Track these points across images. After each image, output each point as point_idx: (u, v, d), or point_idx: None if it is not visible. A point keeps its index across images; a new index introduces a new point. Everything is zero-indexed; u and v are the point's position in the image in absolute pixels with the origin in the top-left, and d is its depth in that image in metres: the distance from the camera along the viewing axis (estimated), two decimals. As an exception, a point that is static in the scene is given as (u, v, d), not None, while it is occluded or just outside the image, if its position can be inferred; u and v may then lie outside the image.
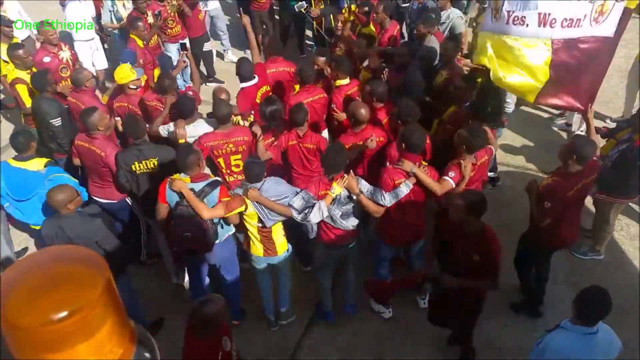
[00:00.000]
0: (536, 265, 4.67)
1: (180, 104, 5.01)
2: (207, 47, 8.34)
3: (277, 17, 9.05)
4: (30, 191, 4.69)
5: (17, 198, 4.73)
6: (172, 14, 7.45)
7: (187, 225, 3.96)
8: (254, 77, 5.35)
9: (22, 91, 5.70)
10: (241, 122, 5.09)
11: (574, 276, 5.10)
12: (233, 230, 4.40)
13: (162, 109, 5.18)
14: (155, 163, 4.56)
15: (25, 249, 5.73)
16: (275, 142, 4.66)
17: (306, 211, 3.96)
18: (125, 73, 5.36)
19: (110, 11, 7.62)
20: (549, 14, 3.99)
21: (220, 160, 4.67)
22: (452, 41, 5.78)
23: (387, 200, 4.04)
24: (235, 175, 4.75)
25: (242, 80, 5.34)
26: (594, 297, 2.99)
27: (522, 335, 4.59)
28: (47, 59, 6.17)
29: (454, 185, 4.13)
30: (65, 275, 1.12)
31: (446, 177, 4.14)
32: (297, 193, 4.07)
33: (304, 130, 4.64)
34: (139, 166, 4.57)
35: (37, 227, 4.55)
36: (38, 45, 6.73)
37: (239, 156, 4.67)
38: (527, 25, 4.06)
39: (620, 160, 4.61)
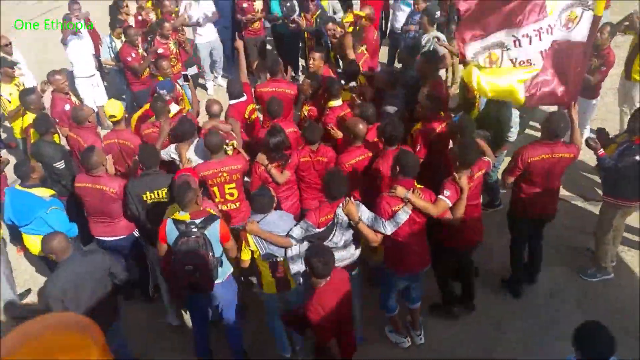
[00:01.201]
0: (529, 243, 5.03)
1: (179, 127, 5.07)
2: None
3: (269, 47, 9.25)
4: (31, 215, 4.72)
5: (20, 224, 4.79)
6: (175, 51, 7.56)
7: (189, 258, 3.94)
8: (244, 95, 5.76)
9: (35, 136, 5.63)
10: (229, 151, 5.07)
11: (586, 300, 5.01)
12: (232, 269, 4.37)
13: (157, 134, 5.26)
14: (167, 192, 4.59)
15: (29, 291, 5.70)
16: (289, 161, 4.83)
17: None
18: (120, 108, 5.38)
19: (108, 47, 7.73)
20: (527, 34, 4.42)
21: (215, 189, 4.77)
22: (426, 57, 5.65)
23: (388, 229, 4.01)
24: (229, 204, 4.86)
25: (232, 97, 5.75)
26: (594, 336, 2.89)
27: (518, 345, 4.57)
28: (67, 107, 6.19)
29: (450, 204, 4.11)
30: (60, 344, 1.14)
31: (441, 197, 4.11)
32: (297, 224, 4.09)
33: (317, 146, 4.88)
34: (150, 196, 4.60)
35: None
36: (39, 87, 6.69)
37: (233, 185, 4.78)
38: (529, 61, 4.48)
39: (621, 158, 4.65)
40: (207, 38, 8.46)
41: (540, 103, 4.89)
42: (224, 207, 4.83)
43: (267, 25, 8.85)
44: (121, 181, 4.72)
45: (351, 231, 4.12)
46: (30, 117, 5.77)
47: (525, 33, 4.39)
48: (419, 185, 4.13)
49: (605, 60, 5.93)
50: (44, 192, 4.86)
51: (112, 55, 7.76)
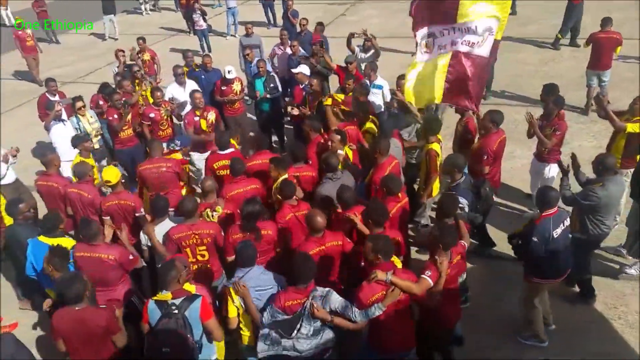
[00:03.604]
0: None
1: (154, 203, 5.35)
2: None
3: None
4: None
5: (42, 271, 4.91)
6: (166, 117, 7.93)
7: (168, 340, 3.87)
8: (230, 148, 6.32)
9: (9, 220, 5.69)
10: (210, 216, 5.34)
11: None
12: (215, 355, 4.26)
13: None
14: None
15: None
16: (260, 237, 4.90)
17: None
18: (116, 171, 5.80)
19: (75, 128, 7.88)
20: (457, 40, 5.95)
21: (187, 250, 5.01)
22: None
23: (358, 318, 3.93)
24: (200, 265, 5.10)
25: (221, 149, 6.33)
26: None
27: None
28: None
29: (432, 283, 4.10)
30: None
31: (423, 276, 4.11)
32: (278, 285, 4.21)
33: (295, 201, 5.14)
34: None
35: None
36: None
37: (204, 247, 5.03)
38: (446, 47, 6.03)
39: (525, 239, 4.81)
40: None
41: (453, 103, 6.43)
42: (196, 267, 5.03)
43: (249, 102, 9.26)
44: (121, 249, 4.90)
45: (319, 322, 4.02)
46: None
47: (445, 28, 5.89)
48: (398, 266, 4.11)
49: (557, 126, 6.29)
50: (68, 243, 4.99)
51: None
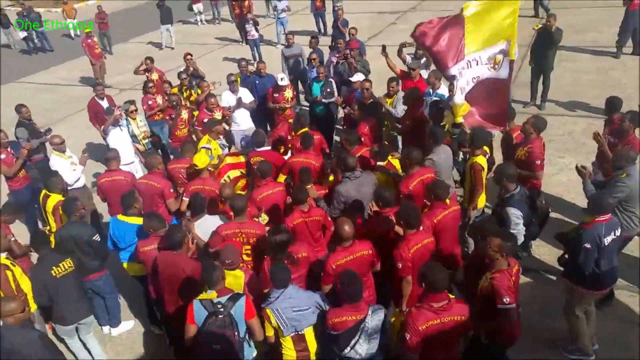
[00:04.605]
0: None
1: (193, 200, 5.59)
2: None
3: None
4: (130, 240, 5.51)
5: (122, 246, 5.60)
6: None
7: (217, 339, 3.98)
8: (265, 145, 6.75)
9: (64, 218, 5.90)
10: (260, 219, 5.47)
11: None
12: (255, 352, 4.36)
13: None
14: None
15: None
16: (295, 261, 4.73)
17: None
18: (205, 158, 6.17)
19: (124, 128, 8.23)
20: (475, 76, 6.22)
21: None
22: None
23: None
24: (246, 264, 5.09)
25: (257, 146, 6.72)
26: None
27: None
28: None
29: (514, 307, 3.95)
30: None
31: (505, 307, 3.88)
32: (313, 306, 4.14)
33: (307, 207, 5.13)
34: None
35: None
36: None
37: (249, 247, 5.08)
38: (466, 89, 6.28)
39: (574, 245, 4.65)
40: (244, 126, 8.70)
41: (479, 125, 6.24)
42: (241, 265, 5.01)
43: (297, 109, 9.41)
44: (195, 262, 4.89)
45: (377, 341, 3.94)
46: (56, 198, 6.12)
47: (461, 67, 6.07)
48: (452, 296, 3.88)
49: (631, 145, 5.95)
50: (141, 221, 5.45)
51: (130, 137, 8.24)
